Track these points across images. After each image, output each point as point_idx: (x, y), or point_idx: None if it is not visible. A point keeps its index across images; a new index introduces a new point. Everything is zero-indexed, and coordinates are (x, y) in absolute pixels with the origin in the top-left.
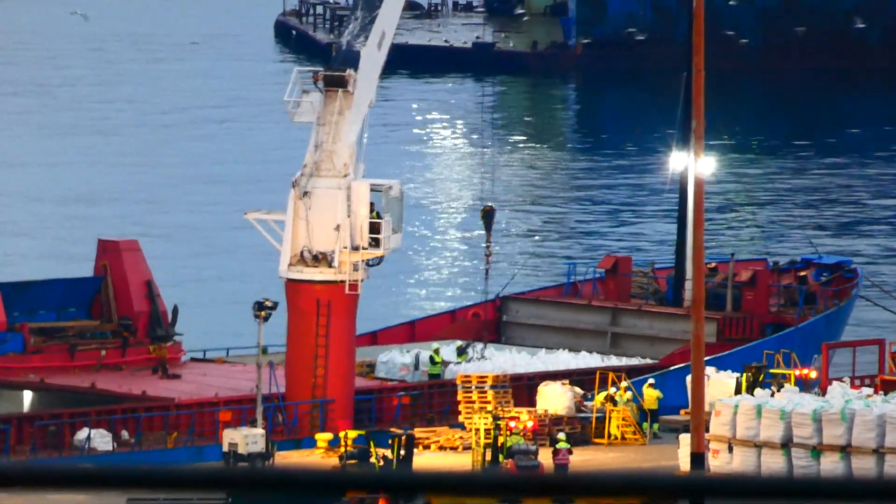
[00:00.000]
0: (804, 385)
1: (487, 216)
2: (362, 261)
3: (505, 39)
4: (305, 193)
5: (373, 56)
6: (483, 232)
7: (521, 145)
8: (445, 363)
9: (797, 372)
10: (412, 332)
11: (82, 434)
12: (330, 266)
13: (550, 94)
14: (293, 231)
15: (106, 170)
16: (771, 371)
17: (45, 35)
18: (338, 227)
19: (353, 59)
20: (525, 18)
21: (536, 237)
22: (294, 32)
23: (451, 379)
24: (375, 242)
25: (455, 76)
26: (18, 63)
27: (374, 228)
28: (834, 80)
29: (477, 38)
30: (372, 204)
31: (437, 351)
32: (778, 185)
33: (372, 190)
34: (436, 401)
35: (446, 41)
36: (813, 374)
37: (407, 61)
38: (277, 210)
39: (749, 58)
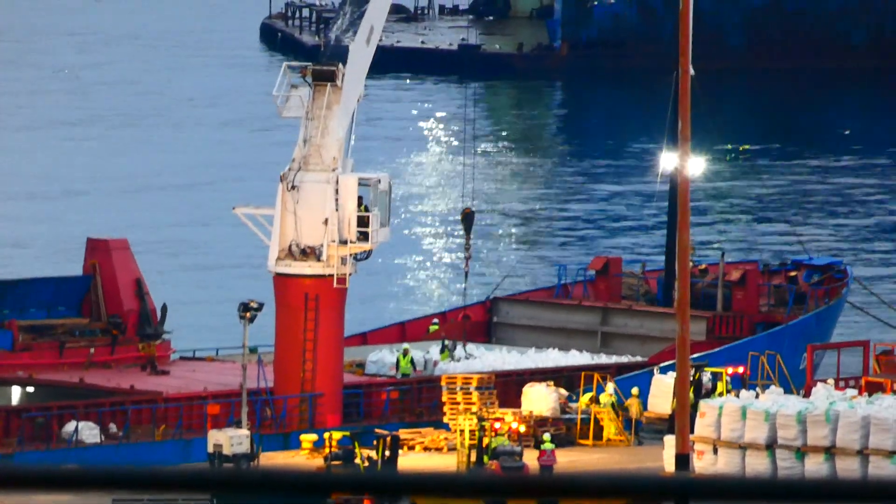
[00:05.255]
0: (741, 382)
1: (467, 219)
2: (350, 255)
3: (491, 41)
4: (293, 187)
5: (361, 51)
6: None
7: (508, 147)
8: (435, 362)
9: (730, 370)
10: (403, 332)
11: (70, 427)
12: (318, 260)
13: (536, 95)
14: (281, 225)
15: (94, 168)
16: (706, 368)
17: (33, 31)
18: (326, 221)
19: (341, 54)
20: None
21: (526, 239)
22: (280, 35)
23: (439, 375)
24: (363, 236)
25: (441, 78)
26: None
27: (362, 222)
28: (819, 81)
29: (463, 39)
30: (360, 198)
31: (405, 352)
32: (768, 186)
33: (360, 184)
34: (424, 396)
35: (422, 42)
36: (740, 371)
37: (393, 63)
38: (266, 205)
39: (734, 58)
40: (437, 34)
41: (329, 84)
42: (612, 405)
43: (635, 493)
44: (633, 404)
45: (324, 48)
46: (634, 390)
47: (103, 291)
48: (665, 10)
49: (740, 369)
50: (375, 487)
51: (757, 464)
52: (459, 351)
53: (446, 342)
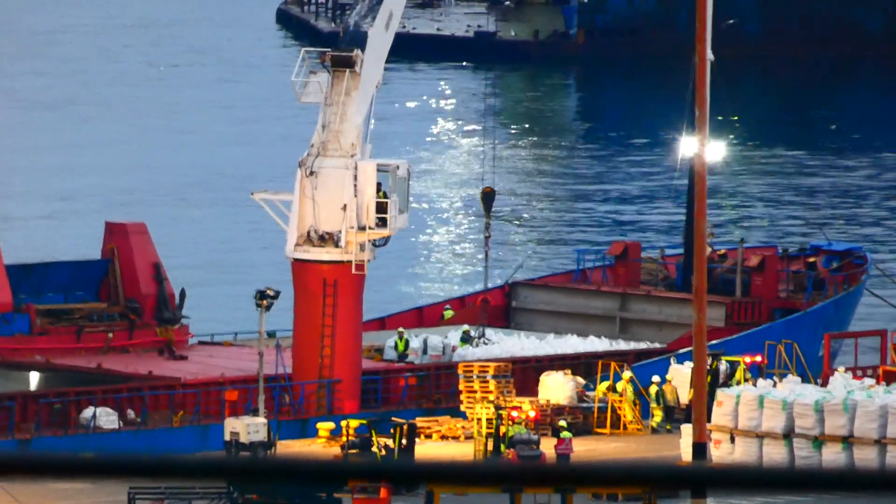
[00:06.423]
0: (758, 371)
1: (487, 198)
2: (369, 241)
3: (507, 28)
4: (312, 173)
5: (380, 37)
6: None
7: (525, 133)
8: (454, 347)
9: (747, 358)
10: (420, 317)
11: (88, 412)
12: (336, 246)
13: (552, 82)
14: (300, 211)
15: (114, 153)
16: (723, 357)
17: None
18: (344, 207)
19: (360, 40)
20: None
21: (545, 224)
22: (295, 21)
23: (457, 362)
24: (382, 222)
25: (457, 65)
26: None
27: (381, 208)
28: (835, 68)
29: (479, 26)
30: (379, 184)
31: (400, 335)
32: (788, 172)
33: (379, 170)
34: (442, 382)
35: (438, 29)
36: (758, 360)
37: (409, 50)
38: (284, 191)
39: (751, 45)
40: (452, 21)
41: (348, 70)
42: (656, 394)
43: (652, 482)
44: (669, 391)
45: (343, 34)
46: (669, 376)
47: (121, 275)
48: None
49: (758, 358)
50: (392, 476)
51: (774, 453)
52: (475, 332)
53: (472, 332)
